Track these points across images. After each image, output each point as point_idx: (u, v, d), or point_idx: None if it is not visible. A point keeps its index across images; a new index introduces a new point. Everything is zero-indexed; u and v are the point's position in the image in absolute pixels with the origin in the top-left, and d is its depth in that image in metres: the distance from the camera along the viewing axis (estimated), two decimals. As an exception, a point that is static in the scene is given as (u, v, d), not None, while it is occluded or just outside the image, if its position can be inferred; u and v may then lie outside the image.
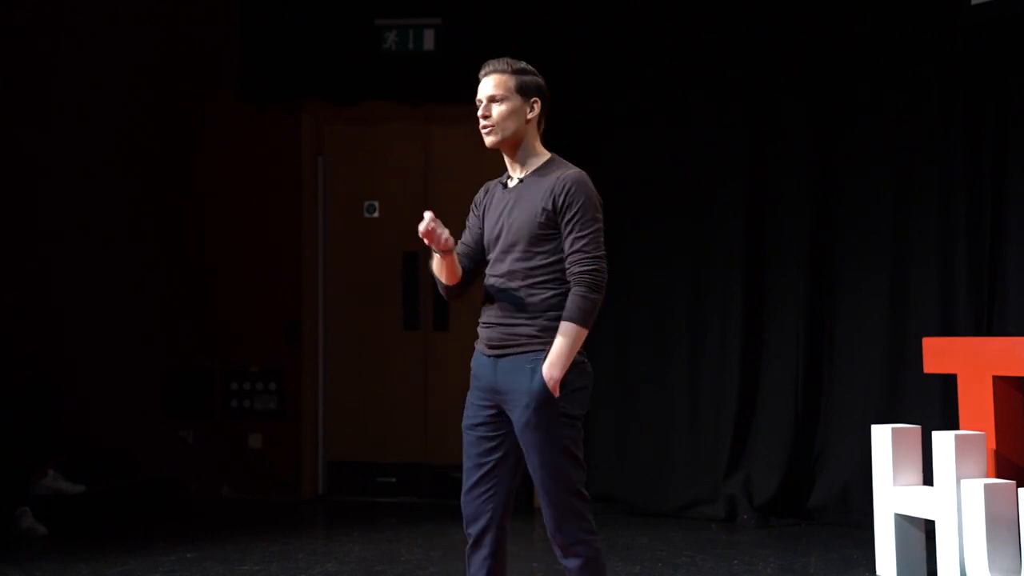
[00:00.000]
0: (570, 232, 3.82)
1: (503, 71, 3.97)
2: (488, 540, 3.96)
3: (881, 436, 5.81)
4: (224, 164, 8.69)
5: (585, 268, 3.79)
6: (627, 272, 8.02)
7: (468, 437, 4.00)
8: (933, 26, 7.28)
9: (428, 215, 3.86)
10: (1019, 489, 5.07)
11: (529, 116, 3.96)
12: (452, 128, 8.47)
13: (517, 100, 3.96)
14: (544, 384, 3.79)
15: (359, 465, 8.56)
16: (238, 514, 7.98)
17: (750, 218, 7.81)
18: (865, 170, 7.57)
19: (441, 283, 4.04)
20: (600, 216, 3.87)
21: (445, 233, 3.86)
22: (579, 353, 3.87)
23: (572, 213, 3.82)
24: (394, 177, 8.65)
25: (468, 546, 4.00)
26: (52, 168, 8.59)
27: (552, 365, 3.79)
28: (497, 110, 3.94)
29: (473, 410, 4.00)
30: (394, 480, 8.50)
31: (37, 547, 6.74)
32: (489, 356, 3.94)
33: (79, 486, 7.56)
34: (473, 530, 3.96)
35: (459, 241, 4.11)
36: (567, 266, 3.82)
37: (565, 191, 3.84)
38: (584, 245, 3.80)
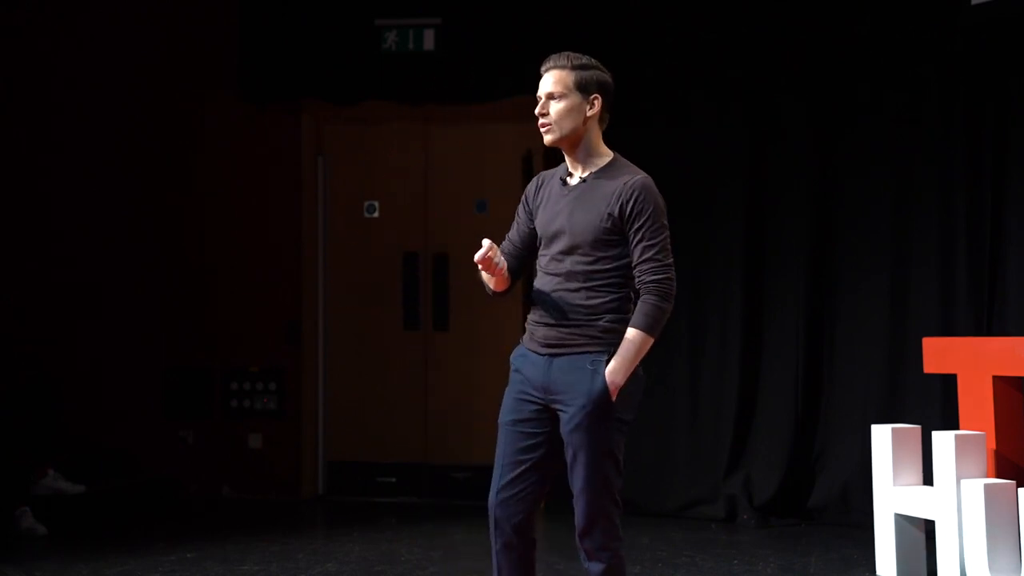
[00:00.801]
0: (640, 240, 3.77)
1: (563, 67, 3.89)
2: (520, 541, 3.89)
3: (881, 436, 5.81)
4: (224, 164, 8.69)
5: (658, 277, 3.75)
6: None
7: (507, 433, 3.89)
8: (933, 26, 7.28)
9: (487, 243, 3.77)
10: (1019, 489, 5.07)
11: (589, 113, 3.87)
12: (452, 128, 8.47)
13: (576, 97, 3.87)
14: (605, 387, 3.75)
15: (359, 465, 8.56)
16: (238, 514, 7.98)
17: (750, 218, 7.81)
18: (865, 170, 7.57)
19: (489, 288, 3.99)
20: (667, 223, 3.82)
21: (502, 264, 3.82)
22: None
23: (642, 220, 3.77)
24: (394, 177, 8.65)
25: (497, 548, 3.90)
26: (52, 168, 8.59)
27: (616, 371, 3.75)
28: (555, 108, 3.86)
29: (516, 405, 3.88)
30: (394, 480, 8.49)
31: (37, 547, 6.74)
32: (543, 355, 3.84)
33: (79, 486, 7.55)
34: (505, 529, 3.87)
35: (507, 237, 4.05)
36: (637, 274, 3.78)
37: (634, 198, 3.78)
38: (656, 253, 3.76)
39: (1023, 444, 5.58)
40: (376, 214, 8.67)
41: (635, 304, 3.80)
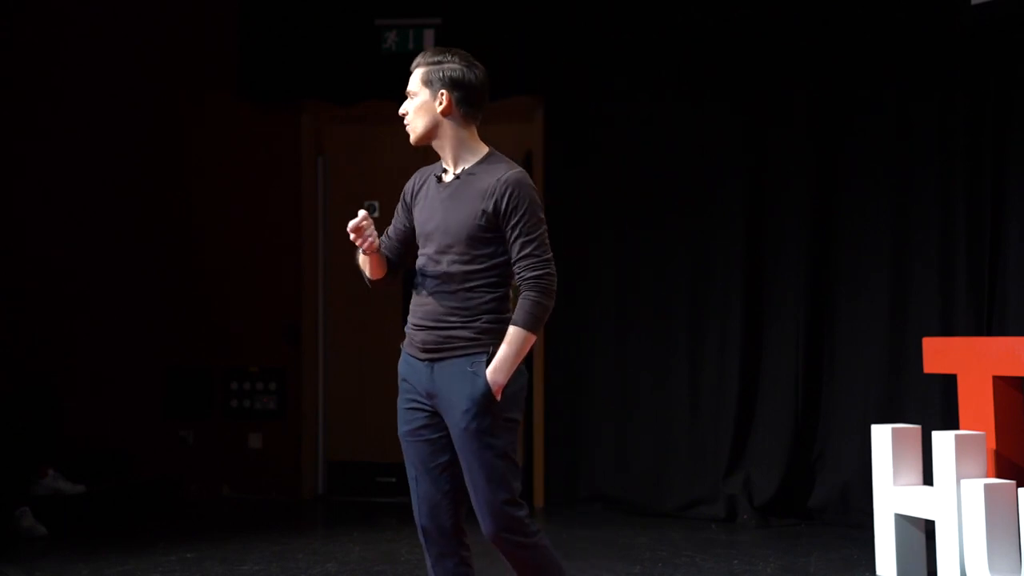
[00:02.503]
0: (517, 236, 3.69)
1: (417, 64, 3.84)
2: (455, 550, 3.81)
3: (881, 436, 5.82)
4: (224, 164, 8.69)
5: (537, 273, 3.69)
6: (627, 272, 8.04)
7: (409, 445, 3.83)
8: (933, 26, 7.28)
9: (363, 212, 3.77)
10: (1019, 489, 5.07)
11: (439, 109, 3.79)
12: (452, 128, 8.47)
13: (425, 94, 3.80)
14: (487, 389, 3.67)
15: (359, 465, 8.57)
16: (238, 514, 7.98)
17: (750, 218, 7.81)
18: (865, 170, 7.57)
19: (366, 276, 3.96)
20: (543, 217, 3.75)
21: (373, 236, 3.78)
22: None
23: (518, 216, 3.69)
24: (394, 177, 8.61)
25: (431, 562, 3.84)
26: (51, 169, 8.58)
27: (498, 370, 3.67)
28: (409, 107, 3.84)
29: (408, 415, 3.82)
30: (394, 480, 8.49)
31: (37, 547, 6.74)
32: (423, 360, 3.78)
33: (79, 486, 7.55)
34: (437, 537, 3.80)
35: (385, 233, 4.01)
36: (516, 271, 3.72)
37: (508, 193, 3.69)
38: (534, 249, 3.69)
39: (1023, 444, 5.59)
40: (376, 214, 8.66)
41: (514, 303, 3.74)
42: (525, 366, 3.80)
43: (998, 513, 5.09)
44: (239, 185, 8.67)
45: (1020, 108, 6.96)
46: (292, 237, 8.64)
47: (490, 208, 3.70)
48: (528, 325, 3.68)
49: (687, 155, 7.92)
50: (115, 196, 8.66)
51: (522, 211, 3.69)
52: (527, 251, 3.70)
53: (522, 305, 3.69)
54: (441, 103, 3.79)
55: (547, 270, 3.70)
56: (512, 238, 3.71)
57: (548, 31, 8.12)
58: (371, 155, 8.69)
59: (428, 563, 3.87)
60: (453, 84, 3.78)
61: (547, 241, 3.74)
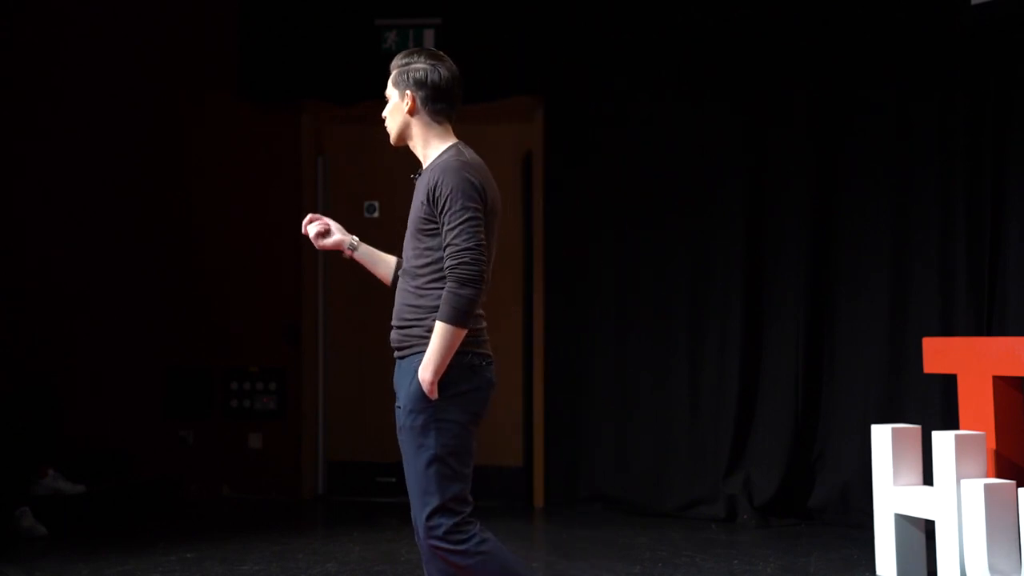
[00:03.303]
0: (443, 225, 3.63)
1: (391, 68, 3.91)
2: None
3: (881, 436, 5.81)
4: (224, 164, 8.69)
5: (454, 262, 3.59)
6: (627, 272, 8.04)
7: (401, 443, 3.79)
8: (933, 26, 7.28)
9: (309, 216, 3.97)
10: (1019, 489, 5.07)
11: (407, 109, 3.83)
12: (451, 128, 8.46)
13: (395, 96, 3.89)
14: (418, 387, 3.62)
15: (359, 465, 8.56)
16: (238, 514, 7.98)
17: (750, 218, 7.81)
18: (865, 170, 7.57)
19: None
20: (473, 204, 3.62)
21: (311, 232, 3.95)
22: (478, 355, 3.68)
23: (442, 204, 3.63)
24: (394, 177, 8.64)
25: (427, 560, 3.76)
26: (51, 169, 8.58)
27: (423, 367, 3.61)
28: (386, 110, 3.92)
29: (397, 414, 3.82)
30: (394, 480, 8.48)
31: (37, 547, 6.74)
32: (396, 359, 3.83)
33: (79, 486, 7.55)
34: (423, 536, 3.69)
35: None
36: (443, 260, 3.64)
37: (436, 181, 3.65)
38: (454, 237, 3.60)
39: (1023, 444, 5.59)
40: (376, 214, 8.67)
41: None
42: (485, 366, 3.70)
43: (998, 513, 5.09)
44: (239, 185, 8.67)
45: (1020, 108, 6.96)
46: (292, 237, 8.59)
47: (425, 198, 3.69)
48: (447, 318, 3.58)
49: (687, 155, 7.92)
50: (115, 196, 8.66)
51: (445, 198, 3.63)
52: (448, 240, 3.62)
53: (443, 298, 3.61)
54: (407, 103, 3.84)
55: (463, 259, 3.58)
56: (441, 227, 3.66)
57: (548, 31, 8.12)
58: (371, 155, 8.69)
59: (423, 559, 3.84)
60: (417, 84, 3.83)
61: (472, 229, 3.60)
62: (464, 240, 3.60)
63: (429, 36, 8.28)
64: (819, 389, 7.60)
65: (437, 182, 3.65)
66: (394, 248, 9.08)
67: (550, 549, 6.65)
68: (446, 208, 3.62)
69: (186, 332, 8.64)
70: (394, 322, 3.82)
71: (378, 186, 8.66)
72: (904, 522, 5.73)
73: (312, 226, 4.01)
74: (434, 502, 3.62)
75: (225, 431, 8.64)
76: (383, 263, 4.04)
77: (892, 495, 5.73)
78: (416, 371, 3.65)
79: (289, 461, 8.56)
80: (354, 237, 4.04)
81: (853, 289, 7.56)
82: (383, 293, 8.66)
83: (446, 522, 3.62)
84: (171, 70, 8.69)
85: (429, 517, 3.63)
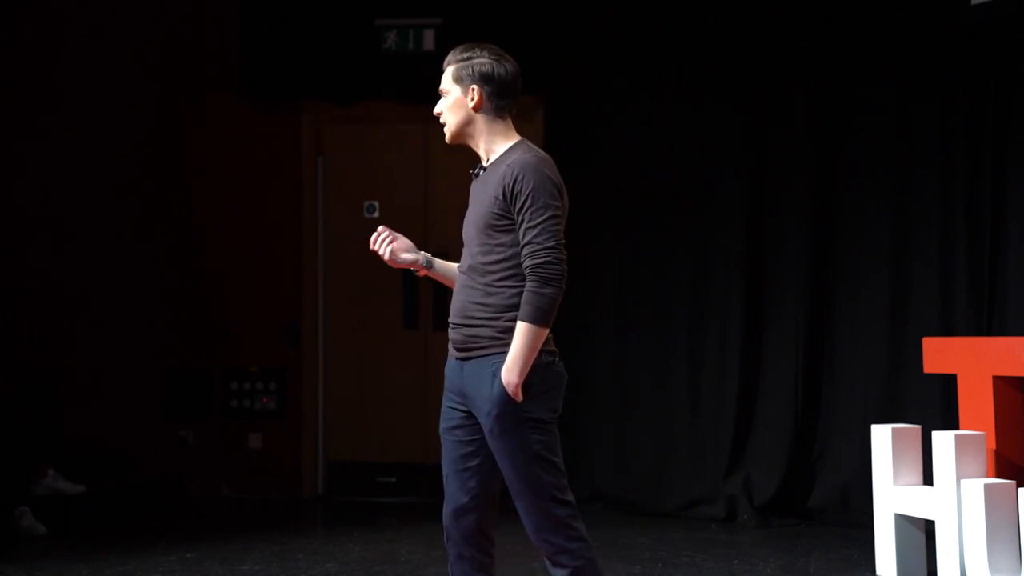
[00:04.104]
0: (522, 223, 3.57)
1: (447, 63, 3.83)
2: (474, 553, 3.76)
3: (881, 436, 5.81)
4: (224, 164, 8.69)
5: (535, 262, 3.54)
6: (627, 272, 8.04)
7: (445, 443, 3.80)
8: (933, 26, 7.28)
9: (382, 228, 3.85)
10: (1019, 489, 5.07)
11: (470, 105, 3.76)
12: (452, 128, 8.47)
13: (456, 91, 3.78)
14: (504, 390, 3.56)
15: (359, 465, 8.56)
16: (238, 514, 7.98)
17: (750, 218, 7.81)
18: (865, 170, 7.57)
19: None
20: (554, 203, 3.58)
21: (395, 252, 3.84)
22: (547, 352, 3.63)
23: (522, 201, 3.56)
24: (394, 177, 8.66)
25: (452, 560, 3.80)
26: (51, 169, 8.58)
27: (509, 370, 3.55)
28: (443, 105, 3.82)
29: (448, 413, 3.79)
30: (394, 480, 8.50)
31: (37, 547, 6.74)
32: (457, 359, 3.73)
33: (79, 486, 7.55)
34: (458, 538, 3.75)
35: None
36: (522, 260, 3.58)
37: (514, 178, 3.58)
38: (535, 236, 3.55)
39: (1023, 444, 5.59)
40: (376, 214, 8.67)
41: None
42: (556, 362, 3.68)
43: (998, 513, 5.09)
44: (239, 185, 8.67)
45: (1020, 108, 6.96)
46: (292, 237, 8.64)
47: (500, 194, 3.61)
48: (530, 318, 3.53)
49: (687, 155, 7.92)
50: (115, 196, 8.66)
51: (526, 195, 3.57)
52: (528, 238, 3.57)
53: (524, 297, 3.56)
54: (472, 98, 3.76)
55: (546, 258, 3.54)
56: (519, 225, 3.60)
57: (548, 31, 8.12)
58: (371, 155, 8.69)
59: (449, 560, 3.83)
60: (484, 79, 3.76)
61: (554, 228, 3.57)
62: (546, 239, 3.55)
63: (429, 36, 8.28)
64: (819, 389, 7.60)
65: (516, 178, 3.59)
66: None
67: (550, 549, 6.64)
68: (526, 205, 3.57)
69: (186, 332, 8.64)
70: (457, 320, 3.72)
71: (378, 186, 8.66)
72: (904, 522, 5.73)
73: (386, 244, 3.85)
74: (543, 496, 3.61)
75: (225, 431, 8.63)
76: (456, 274, 3.92)
77: (892, 495, 5.73)
78: (494, 374, 3.60)
79: (289, 461, 8.56)
80: (425, 253, 3.95)
81: (853, 289, 7.56)
82: (383, 293, 8.71)
83: (561, 512, 3.63)
84: (171, 70, 8.68)
85: (541, 510, 3.62)
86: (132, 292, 8.63)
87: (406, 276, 8.56)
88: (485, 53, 3.79)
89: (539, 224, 3.56)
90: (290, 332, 8.59)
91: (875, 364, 7.41)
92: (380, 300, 8.63)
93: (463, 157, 8.82)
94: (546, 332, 3.58)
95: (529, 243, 3.57)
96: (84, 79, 8.62)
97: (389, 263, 3.88)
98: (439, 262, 3.99)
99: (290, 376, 8.60)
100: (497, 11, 8.15)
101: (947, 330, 7.04)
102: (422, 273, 3.94)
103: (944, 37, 7.24)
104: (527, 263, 3.57)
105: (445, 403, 3.81)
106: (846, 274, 7.59)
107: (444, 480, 3.80)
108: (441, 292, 8.49)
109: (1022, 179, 6.95)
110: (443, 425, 3.81)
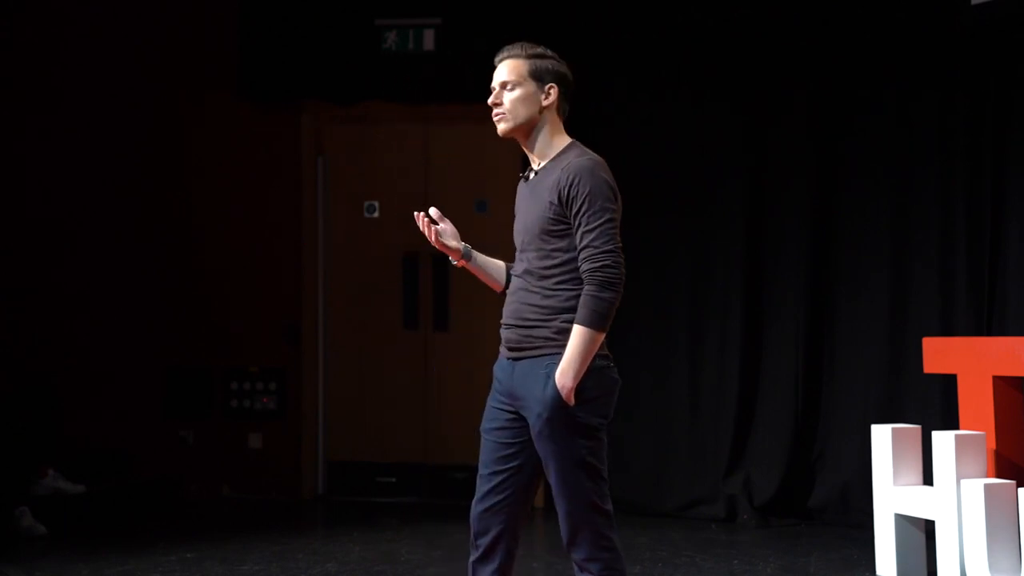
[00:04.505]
0: (579, 227, 3.57)
1: (517, 56, 3.77)
2: (499, 553, 3.74)
3: (881, 436, 5.82)
4: (224, 164, 8.69)
5: (596, 265, 3.54)
6: (627, 272, 8.01)
7: (485, 442, 3.77)
8: (933, 26, 7.28)
9: (433, 210, 3.74)
10: (1019, 489, 5.07)
11: (545, 103, 3.74)
12: (452, 128, 8.47)
13: (531, 86, 3.74)
14: (557, 392, 3.55)
15: (359, 465, 8.56)
16: (238, 514, 7.98)
17: (750, 218, 7.81)
18: (865, 170, 7.57)
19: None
20: (611, 206, 3.59)
21: (443, 233, 3.78)
22: (602, 357, 3.62)
23: (579, 205, 3.57)
24: (394, 177, 8.65)
25: (474, 558, 3.79)
26: (51, 169, 8.58)
27: (564, 373, 3.54)
28: (509, 97, 3.74)
29: (492, 414, 3.76)
30: (394, 480, 8.49)
31: (37, 547, 6.74)
32: (508, 359, 3.71)
33: (79, 486, 7.55)
34: (482, 542, 3.74)
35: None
36: (579, 263, 3.59)
37: (571, 181, 3.58)
38: (593, 239, 3.55)
39: (1023, 444, 5.59)
40: (376, 214, 8.67)
41: None
42: (611, 367, 3.67)
43: (998, 513, 5.09)
44: (239, 185, 8.67)
45: (1020, 108, 6.96)
46: (292, 237, 8.64)
47: (556, 199, 3.61)
48: (588, 322, 3.53)
49: (687, 155, 7.92)
50: (115, 196, 8.66)
51: (582, 199, 3.57)
52: (586, 241, 3.57)
53: (582, 301, 3.55)
54: (549, 96, 3.75)
55: (605, 262, 3.54)
56: (575, 228, 3.60)
57: (548, 31, 8.10)
58: (371, 155, 8.69)
59: (470, 559, 3.82)
60: (560, 79, 3.77)
61: (612, 231, 3.58)
62: (604, 243, 3.56)
63: (429, 36, 8.28)
64: (819, 389, 7.60)
65: (572, 182, 3.59)
66: (396, 247, 9.03)
67: (550, 549, 6.64)
68: (583, 209, 3.57)
69: (186, 332, 8.64)
70: (511, 321, 3.72)
71: (378, 186, 8.66)
72: (904, 522, 5.73)
73: (430, 232, 3.80)
74: (583, 502, 3.61)
75: (225, 431, 8.63)
76: (496, 270, 3.93)
77: (892, 495, 5.73)
78: (548, 375, 3.58)
79: (289, 461, 8.56)
80: (467, 244, 3.92)
81: (853, 289, 7.56)
82: (383, 293, 8.70)
83: (603, 521, 3.63)
84: (171, 70, 8.68)
85: (585, 519, 3.61)
86: (132, 292, 8.63)
87: (406, 276, 8.56)
88: (552, 53, 3.82)
89: (596, 228, 3.57)
90: (290, 332, 8.59)
91: (875, 364, 7.41)
92: (380, 300, 8.63)
93: (463, 157, 8.86)
94: (602, 337, 3.58)
95: (587, 247, 3.57)
96: (84, 79, 8.62)
97: (434, 244, 3.83)
98: (480, 256, 3.96)
99: (290, 376, 8.60)
100: (497, 11, 8.15)
101: (947, 330, 7.04)
102: (460, 264, 3.90)
103: (944, 37, 7.25)
104: (585, 267, 3.57)
105: (491, 403, 3.79)
106: (846, 274, 7.59)
107: (478, 478, 3.78)
108: (441, 292, 8.49)
109: (1022, 179, 6.95)
110: (485, 425, 3.78)
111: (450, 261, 3.89)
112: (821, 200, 7.66)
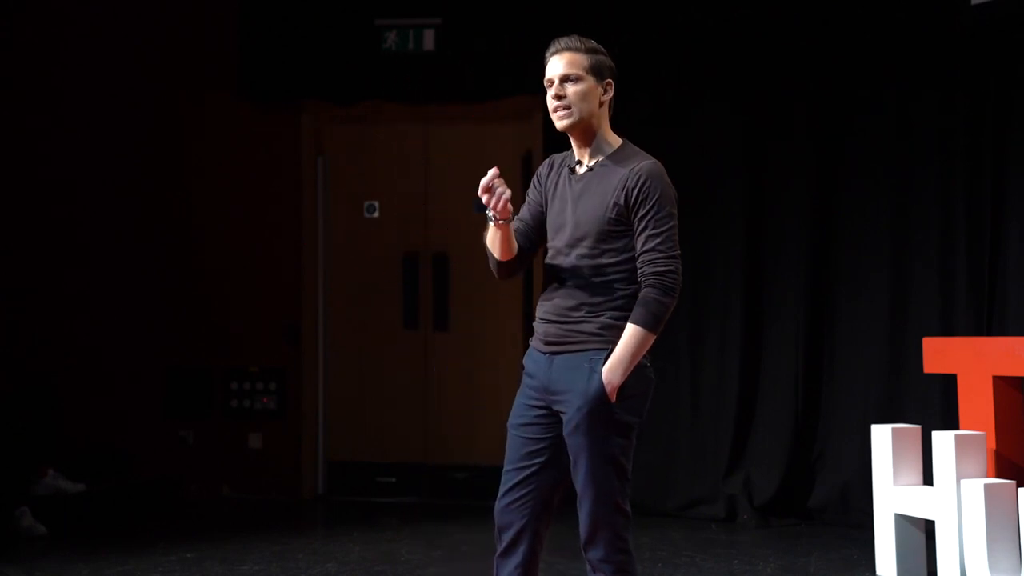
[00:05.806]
0: (643, 229, 3.57)
1: (576, 49, 3.75)
2: (521, 549, 3.72)
3: (881, 436, 5.82)
4: (224, 164, 8.69)
5: (660, 269, 3.55)
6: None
7: (513, 438, 3.74)
8: (933, 26, 7.28)
9: (493, 170, 3.59)
10: (1019, 489, 5.07)
11: (603, 98, 3.73)
12: (452, 128, 8.47)
13: (591, 81, 3.71)
14: (601, 387, 3.56)
15: (359, 465, 8.56)
16: (238, 514, 7.98)
17: (750, 218, 7.81)
18: (865, 170, 7.57)
19: (493, 258, 3.77)
20: (675, 212, 3.62)
21: (507, 193, 3.58)
22: (644, 356, 3.64)
23: (647, 209, 3.57)
24: (394, 177, 8.66)
25: (498, 553, 3.76)
26: (51, 168, 8.58)
27: (613, 370, 3.55)
28: (572, 90, 3.70)
29: (521, 409, 3.73)
30: (394, 480, 8.49)
31: (37, 547, 6.74)
32: (545, 353, 3.68)
33: (79, 486, 7.55)
34: (506, 536, 3.72)
35: (516, 217, 3.82)
36: (639, 265, 3.58)
37: (639, 184, 3.59)
38: (659, 244, 3.56)
39: (1023, 444, 5.59)
40: (376, 214, 8.67)
41: None
42: (652, 371, 3.70)
43: (998, 513, 5.10)
44: (239, 185, 8.67)
45: (1020, 108, 6.96)
46: (292, 237, 8.64)
47: (621, 200, 3.60)
48: (646, 323, 3.55)
49: (687, 155, 7.92)
50: (115, 196, 8.66)
51: (651, 203, 3.58)
52: (651, 245, 3.57)
53: (640, 302, 3.56)
54: (607, 92, 3.75)
55: (670, 267, 3.56)
56: (638, 231, 3.59)
57: (547, 31, 8.09)
58: (371, 155, 8.69)
59: (496, 554, 3.79)
60: (614, 76, 3.78)
61: (675, 238, 3.60)
62: (668, 248, 3.58)
63: (429, 36, 8.28)
64: (819, 389, 7.60)
65: (641, 185, 3.59)
66: (396, 247, 9.02)
67: (550, 549, 6.60)
68: (651, 214, 3.58)
69: (186, 332, 8.64)
70: (552, 316, 3.69)
71: (378, 186, 8.66)
72: (904, 522, 5.73)
73: (501, 194, 3.58)
74: (608, 500, 3.61)
75: (225, 431, 8.63)
76: (513, 242, 3.81)
77: (892, 495, 5.73)
78: (593, 370, 3.58)
79: (289, 461, 8.56)
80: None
81: (853, 289, 7.56)
82: (383, 293, 8.70)
83: (622, 523, 3.64)
84: (171, 70, 8.69)
85: (606, 518, 3.61)
86: (132, 292, 8.63)
87: (406, 276, 8.56)
88: (605, 50, 3.79)
89: (663, 232, 3.58)
90: (290, 332, 8.59)
91: (875, 364, 7.41)
92: (380, 300, 8.63)
93: (463, 157, 8.85)
94: (653, 339, 3.60)
95: (652, 250, 3.58)
96: (84, 79, 8.63)
97: (499, 213, 3.63)
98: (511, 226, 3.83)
99: (290, 376, 8.60)
100: (497, 11, 8.15)
101: (947, 330, 7.04)
102: (501, 226, 3.68)
103: (944, 37, 7.25)
104: (648, 269, 3.58)
105: (520, 398, 3.76)
106: (846, 274, 7.59)
107: (503, 473, 3.75)
108: (441, 292, 8.50)
109: (1022, 179, 6.95)
110: (513, 420, 3.76)
111: (491, 219, 3.67)
112: (821, 200, 7.66)
